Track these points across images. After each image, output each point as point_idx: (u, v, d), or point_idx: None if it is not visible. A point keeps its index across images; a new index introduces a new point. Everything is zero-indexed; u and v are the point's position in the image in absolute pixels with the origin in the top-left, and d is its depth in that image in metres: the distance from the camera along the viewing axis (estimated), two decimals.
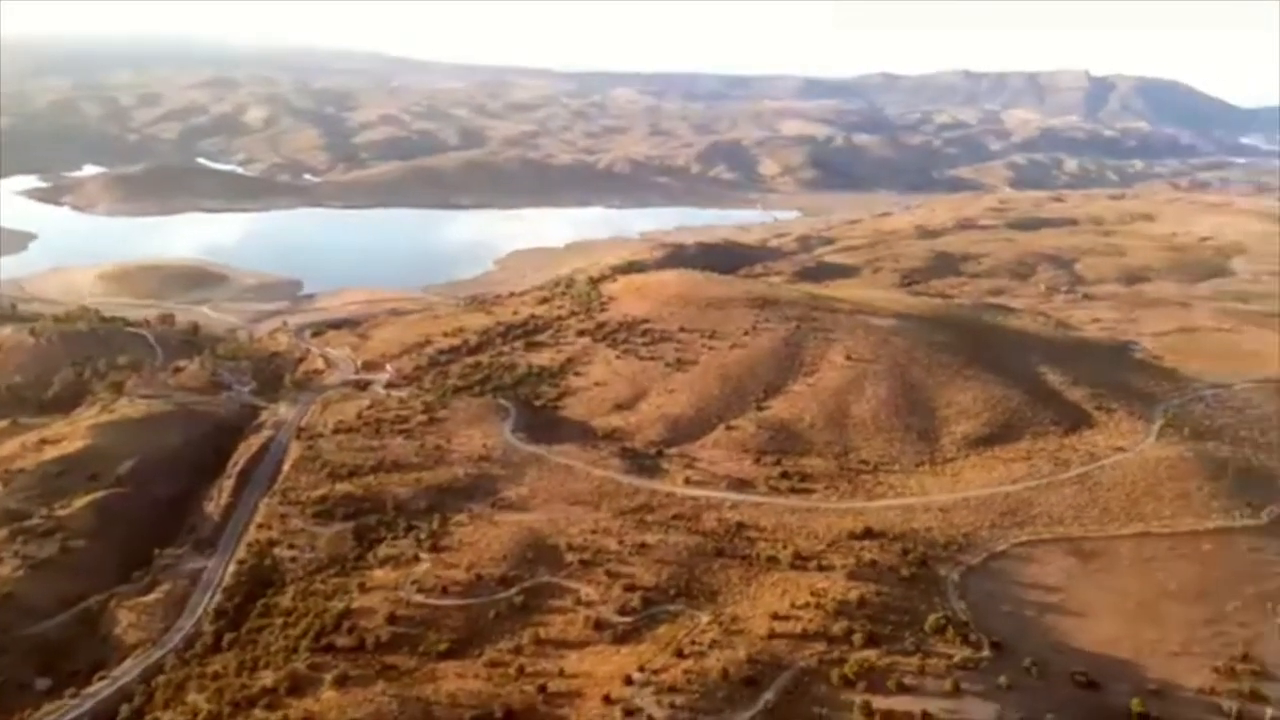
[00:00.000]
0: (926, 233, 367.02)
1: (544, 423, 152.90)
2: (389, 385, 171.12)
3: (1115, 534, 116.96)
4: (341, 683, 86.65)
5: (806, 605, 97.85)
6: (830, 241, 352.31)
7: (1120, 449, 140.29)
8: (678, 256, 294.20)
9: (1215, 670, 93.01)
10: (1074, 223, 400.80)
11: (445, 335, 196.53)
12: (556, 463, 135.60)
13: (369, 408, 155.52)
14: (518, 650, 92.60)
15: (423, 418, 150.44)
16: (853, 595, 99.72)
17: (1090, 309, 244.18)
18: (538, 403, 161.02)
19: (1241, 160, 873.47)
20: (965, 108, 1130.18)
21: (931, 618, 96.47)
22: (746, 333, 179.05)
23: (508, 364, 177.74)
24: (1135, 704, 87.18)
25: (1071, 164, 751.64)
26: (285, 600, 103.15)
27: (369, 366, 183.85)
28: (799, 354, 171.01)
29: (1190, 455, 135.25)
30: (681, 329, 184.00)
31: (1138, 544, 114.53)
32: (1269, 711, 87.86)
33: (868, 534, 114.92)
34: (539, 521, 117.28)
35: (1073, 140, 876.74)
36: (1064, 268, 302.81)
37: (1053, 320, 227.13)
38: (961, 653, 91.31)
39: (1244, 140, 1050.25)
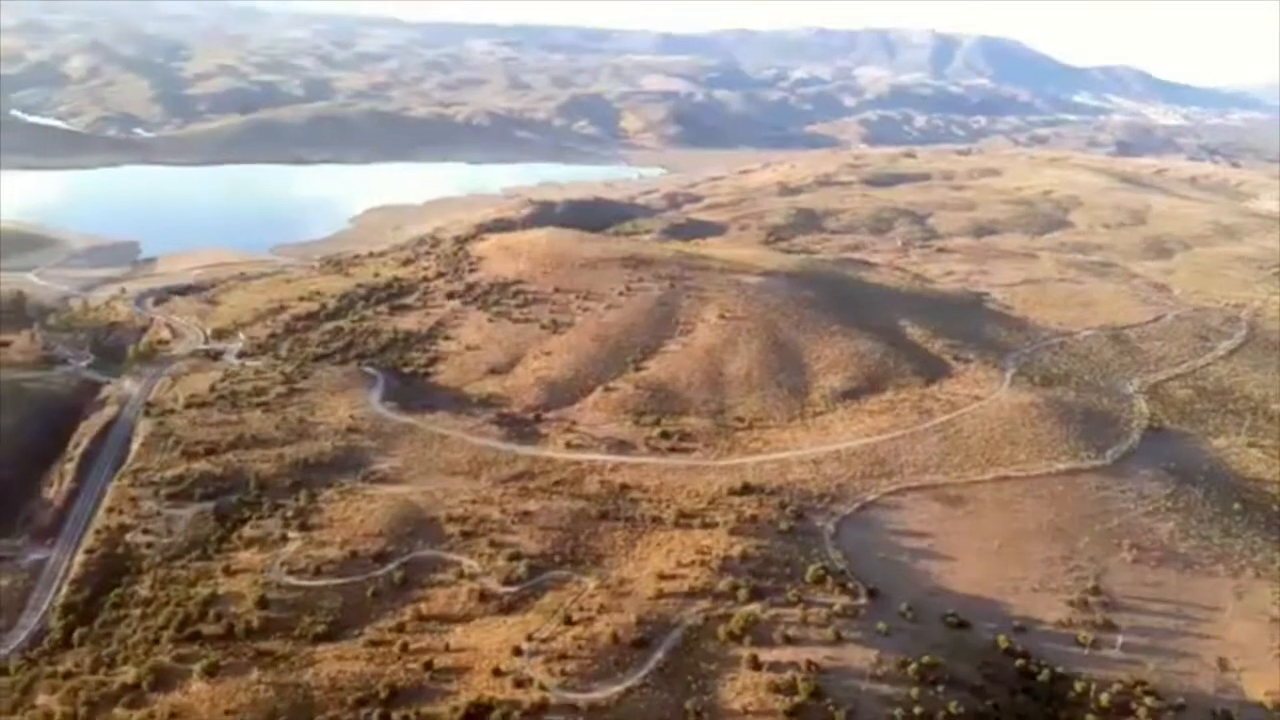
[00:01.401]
0: (788, 189, 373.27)
1: (415, 390, 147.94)
2: (243, 355, 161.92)
3: (976, 479, 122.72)
4: (211, 673, 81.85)
5: (692, 563, 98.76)
6: (697, 199, 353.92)
7: (978, 398, 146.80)
8: (546, 214, 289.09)
9: (1071, 603, 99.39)
10: (926, 178, 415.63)
11: (301, 300, 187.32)
12: (431, 432, 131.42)
13: (223, 380, 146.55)
14: (400, 628, 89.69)
15: (282, 389, 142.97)
16: (735, 551, 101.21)
17: (944, 262, 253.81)
18: (407, 370, 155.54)
19: (1073, 117, 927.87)
20: (819, 64, 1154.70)
21: (811, 569, 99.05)
22: (621, 293, 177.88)
23: (371, 329, 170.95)
24: (1001, 640, 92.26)
25: (920, 120, 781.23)
26: (143, 589, 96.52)
27: (219, 335, 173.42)
28: (673, 313, 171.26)
29: (1041, 402, 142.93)
30: (556, 290, 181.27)
31: (997, 488, 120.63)
32: (1119, 639, 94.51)
33: (746, 489, 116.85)
34: (415, 494, 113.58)
35: (921, 97, 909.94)
36: (918, 222, 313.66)
37: (910, 274, 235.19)
38: (841, 601, 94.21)
39: (1075, 98, 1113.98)
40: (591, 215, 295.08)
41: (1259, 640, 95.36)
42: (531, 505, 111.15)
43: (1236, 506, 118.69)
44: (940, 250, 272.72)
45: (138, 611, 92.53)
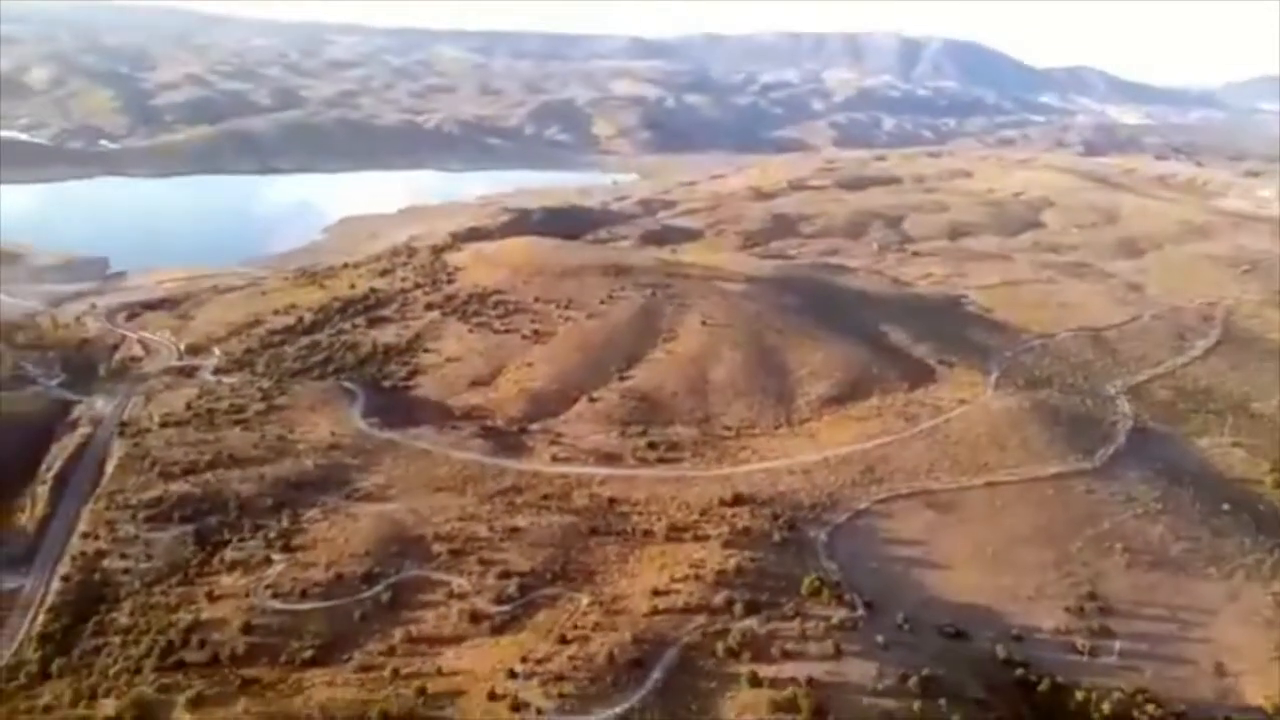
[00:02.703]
0: (762, 194, 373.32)
1: (396, 405, 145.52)
2: (219, 371, 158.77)
3: (967, 485, 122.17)
4: (197, 704, 79.24)
5: (686, 578, 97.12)
6: (671, 205, 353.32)
7: (963, 401, 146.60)
8: (522, 222, 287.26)
9: (1067, 610, 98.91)
10: (898, 181, 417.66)
11: (276, 313, 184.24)
12: (414, 447, 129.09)
13: (199, 397, 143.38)
14: (390, 651, 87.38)
15: (260, 406, 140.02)
16: (730, 564, 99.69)
17: (920, 265, 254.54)
18: (387, 383, 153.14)
19: (1039, 118, 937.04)
20: (787, 68, 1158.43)
21: (806, 581, 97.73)
22: (603, 301, 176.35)
23: (350, 343, 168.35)
24: (1000, 649, 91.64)
25: (889, 123, 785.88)
26: (122, 617, 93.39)
27: (194, 350, 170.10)
28: (656, 321, 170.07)
29: (1027, 404, 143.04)
30: (536, 299, 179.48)
31: (988, 493, 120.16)
32: (1117, 645, 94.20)
33: (738, 500, 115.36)
34: (400, 512, 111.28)
35: (889, 99, 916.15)
36: (893, 225, 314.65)
37: (888, 277, 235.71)
38: (838, 614, 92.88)
39: (1041, 99, 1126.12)
40: (568, 222, 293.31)
41: (1254, 643, 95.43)
42: (520, 521, 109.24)
43: (1225, 507, 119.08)
44: (916, 254, 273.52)
45: (118, 640, 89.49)
